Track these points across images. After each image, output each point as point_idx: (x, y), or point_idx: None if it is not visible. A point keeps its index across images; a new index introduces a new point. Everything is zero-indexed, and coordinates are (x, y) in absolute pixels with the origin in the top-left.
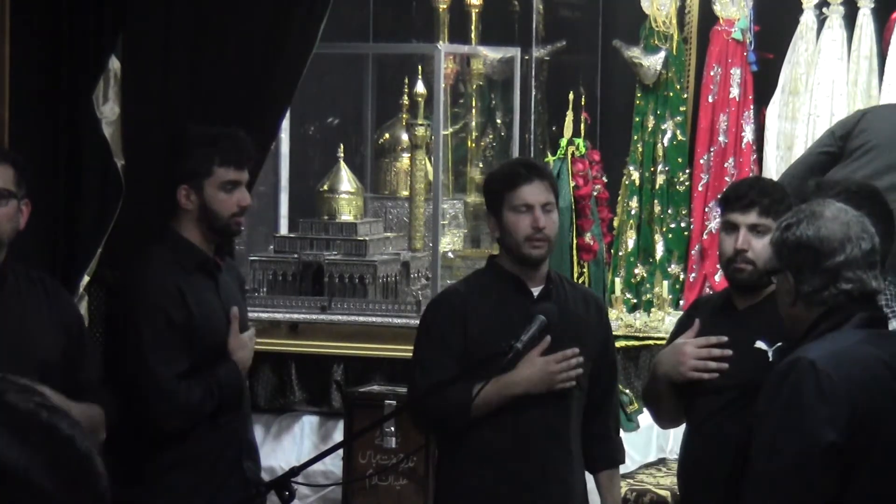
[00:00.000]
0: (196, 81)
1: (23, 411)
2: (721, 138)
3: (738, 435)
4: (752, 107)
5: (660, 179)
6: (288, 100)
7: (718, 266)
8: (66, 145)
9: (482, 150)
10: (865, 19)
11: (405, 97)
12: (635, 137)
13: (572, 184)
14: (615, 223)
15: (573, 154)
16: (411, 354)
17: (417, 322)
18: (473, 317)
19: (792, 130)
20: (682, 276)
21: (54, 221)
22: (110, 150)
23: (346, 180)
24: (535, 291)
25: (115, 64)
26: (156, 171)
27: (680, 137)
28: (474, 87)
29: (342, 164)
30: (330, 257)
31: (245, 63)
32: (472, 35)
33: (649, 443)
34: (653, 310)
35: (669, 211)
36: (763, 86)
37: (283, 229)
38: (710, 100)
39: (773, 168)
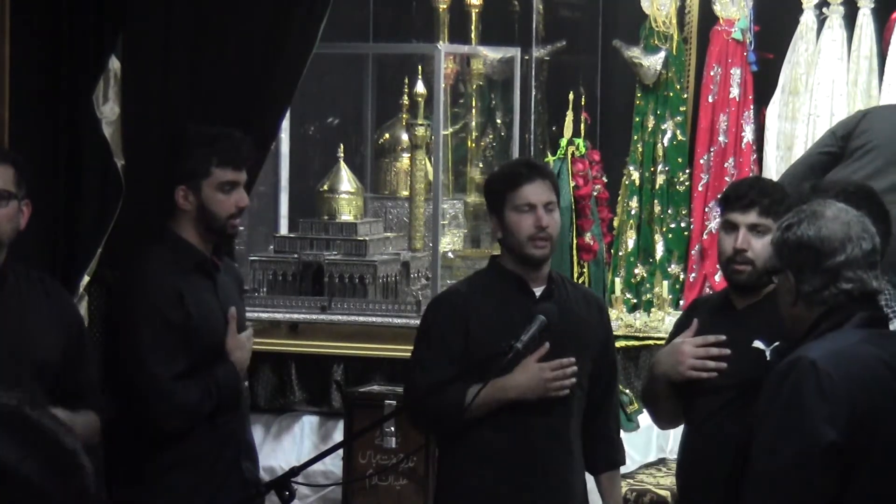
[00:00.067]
0: (196, 81)
1: (8, 408)
2: (721, 138)
3: (738, 435)
4: (752, 107)
5: (660, 179)
6: (288, 100)
7: (718, 266)
8: (66, 145)
9: (482, 150)
10: (865, 19)
11: (405, 97)
12: (635, 137)
13: (572, 184)
14: (615, 223)
15: (573, 154)
16: (411, 353)
17: (417, 322)
18: (475, 317)
19: (792, 130)
20: (682, 276)
21: (54, 221)
22: (110, 150)
23: (346, 180)
24: (537, 291)
25: (115, 64)
26: (155, 171)
27: (680, 137)
28: (474, 87)
29: (342, 164)
30: (330, 257)
31: (245, 63)
32: (472, 35)
33: (649, 443)
34: (653, 310)
35: (669, 211)
36: (763, 86)
37: (283, 229)
38: (710, 100)
39: (773, 168)
